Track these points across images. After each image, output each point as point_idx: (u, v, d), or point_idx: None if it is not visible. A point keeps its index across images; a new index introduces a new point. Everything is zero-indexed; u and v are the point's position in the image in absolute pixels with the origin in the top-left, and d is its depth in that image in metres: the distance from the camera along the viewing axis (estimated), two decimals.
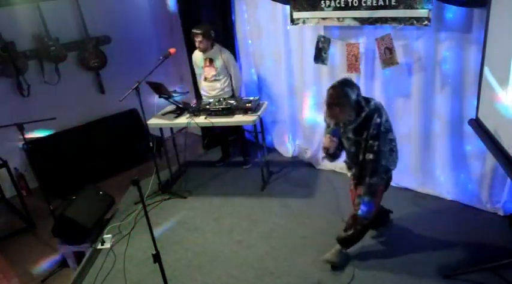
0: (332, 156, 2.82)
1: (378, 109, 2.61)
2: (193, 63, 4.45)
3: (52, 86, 4.72)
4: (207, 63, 4.28)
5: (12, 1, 4.24)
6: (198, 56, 4.34)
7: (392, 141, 2.73)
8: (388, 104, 3.70)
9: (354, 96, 2.55)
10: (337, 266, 2.95)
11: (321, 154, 2.92)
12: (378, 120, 2.57)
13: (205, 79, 4.38)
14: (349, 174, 3.00)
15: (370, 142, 2.60)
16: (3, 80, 4.43)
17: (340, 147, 2.84)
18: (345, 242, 2.93)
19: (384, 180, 2.76)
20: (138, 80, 3.76)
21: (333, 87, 2.61)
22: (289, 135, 4.75)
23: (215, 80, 4.31)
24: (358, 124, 2.62)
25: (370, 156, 2.63)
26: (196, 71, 4.49)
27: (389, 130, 2.67)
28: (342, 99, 2.54)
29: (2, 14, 4.25)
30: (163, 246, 3.31)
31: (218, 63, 4.23)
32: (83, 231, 3.40)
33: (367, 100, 2.65)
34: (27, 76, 4.52)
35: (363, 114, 2.59)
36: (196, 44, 4.14)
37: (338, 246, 2.96)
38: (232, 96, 4.35)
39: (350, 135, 2.70)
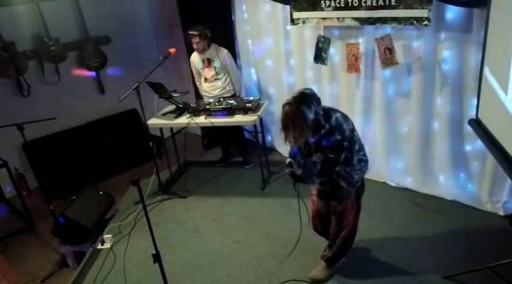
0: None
1: (339, 126, 2.35)
2: (192, 65, 4.43)
3: (52, 86, 4.73)
4: (206, 64, 4.27)
5: (12, 1, 4.24)
6: (195, 57, 4.33)
7: (360, 151, 2.53)
8: (388, 104, 3.71)
9: (311, 116, 2.25)
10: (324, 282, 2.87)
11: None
12: (339, 137, 2.33)
13: (206, 80, 4.37)
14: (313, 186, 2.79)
15: (327, 152, 2.38)
16: (3, 80, 4.43)
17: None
18: (330, 260, 2.87)
19: (351, 192, 2.59)
20: (138, 80, 3.76)
21: (289, 104, 2.28)
22: None
23: (216, 80, 4.31)
24: (317, 140, 2.41)
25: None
26: (195, 73, 4.47)
27: (355, 141, 2.46)
28: (298, 119, 2.23)
29: (2, 13, 4.25)
30: (163, 246, 3.30)
31: (216, 62, 4.22)
32: (83, 231, 3.40)
33: (328, 115, 2.36)
34: (27, 76, 4.52)
35: (323, 131, 2.35)
36: (194, 46, 4.14)
37: (324, 263, 2.89)
38: (234, 95, 4.35)
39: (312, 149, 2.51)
